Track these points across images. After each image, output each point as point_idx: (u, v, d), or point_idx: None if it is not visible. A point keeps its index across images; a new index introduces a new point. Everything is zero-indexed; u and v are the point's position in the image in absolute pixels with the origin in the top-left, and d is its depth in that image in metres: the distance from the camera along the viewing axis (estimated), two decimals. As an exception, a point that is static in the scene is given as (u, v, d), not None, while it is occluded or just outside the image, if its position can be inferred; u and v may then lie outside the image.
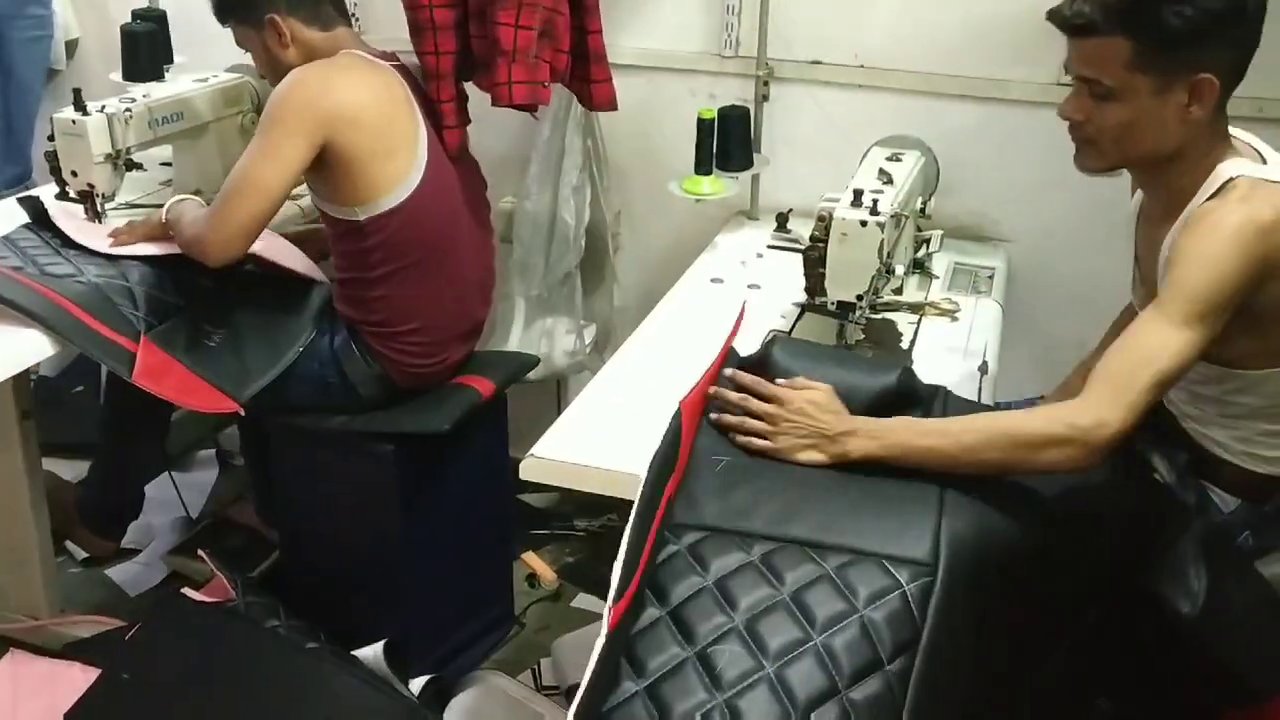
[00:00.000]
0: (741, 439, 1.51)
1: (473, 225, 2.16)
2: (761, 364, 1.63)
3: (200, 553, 2.34)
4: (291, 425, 2.20)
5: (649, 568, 1.34)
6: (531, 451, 1.63)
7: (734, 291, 2.20)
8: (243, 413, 2.04)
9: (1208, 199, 1.46)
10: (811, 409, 1.50)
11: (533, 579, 2.69)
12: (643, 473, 1.43)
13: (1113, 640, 1.53)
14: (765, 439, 1.50)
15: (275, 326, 2.12)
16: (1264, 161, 1.52)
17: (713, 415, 1.55)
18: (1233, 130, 1.54)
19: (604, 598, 1.36)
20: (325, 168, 1.96)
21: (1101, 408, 1.38)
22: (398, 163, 1.98)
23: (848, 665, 1.27)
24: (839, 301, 1.90)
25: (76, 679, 2.11)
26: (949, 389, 1.66)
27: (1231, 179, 1.45)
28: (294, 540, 2.39)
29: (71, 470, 2.69)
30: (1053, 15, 1.50)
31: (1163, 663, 1.50)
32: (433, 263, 2.06)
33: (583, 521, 2.87)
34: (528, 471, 1.62)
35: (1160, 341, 1.40)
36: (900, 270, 2.01)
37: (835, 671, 1.26)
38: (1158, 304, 1.43)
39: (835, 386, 1.54)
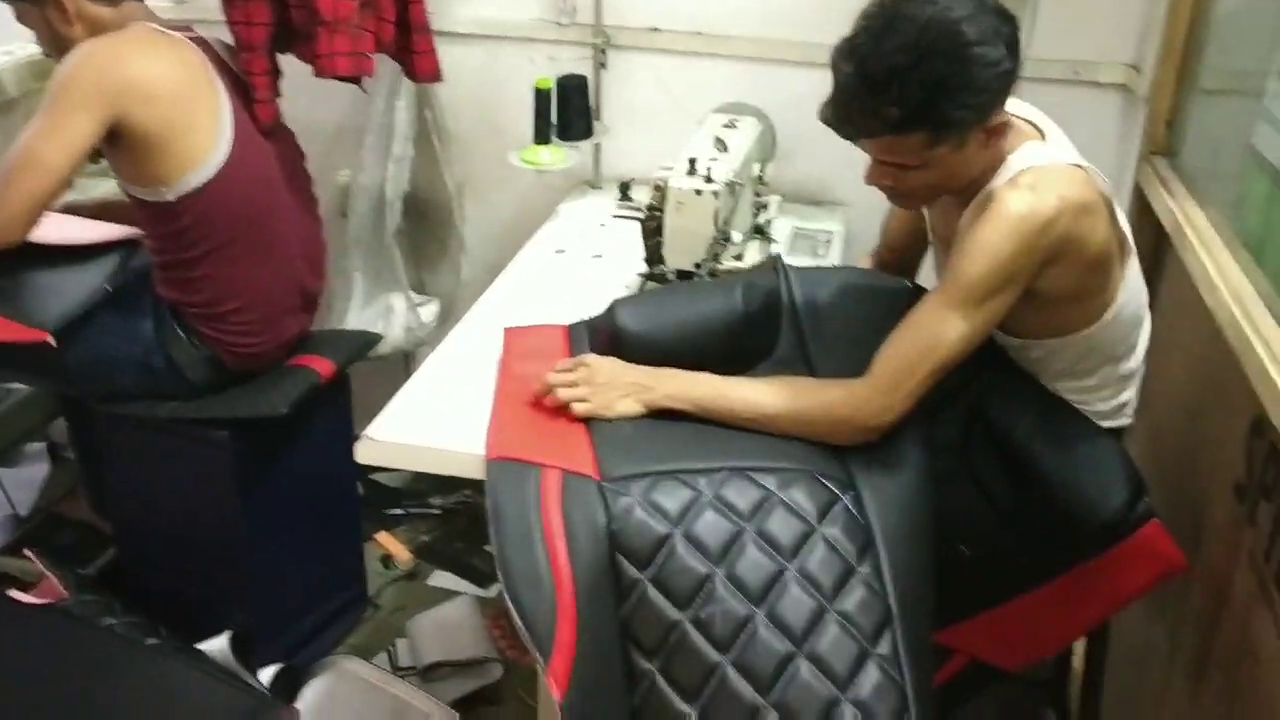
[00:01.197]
0: (568, 403, 1.55)
1: (292, 198, 2.09)
2: (608, 329, 1.65)
3: (27, 552, 2.24)
4: (120, 414, 2.10)
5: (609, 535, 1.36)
6: (365, 433, 1.59)
7: (577, 262, 2.19)
8: (53, 342, 1.94)
9: (999, 187, 1.49)
10: (618, 368, 1.57)
11: (387, 560, 2.65)
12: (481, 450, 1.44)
13: (966, 485, 1.60)
14: (584, 403, 1.55)
15: (74, 264, 2.03)
16: (1043, 137, 1.55)
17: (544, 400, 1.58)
18: (1011, 105, 1.53)
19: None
20: (122, 146, 1.86)
21: (884, 395, 1.46)
22: (200, 138, 1.89)
23: (827, 581, 1.38)
24: (678, 270, 1.91)
25: (-104, 691, 1.99)
26: (787, 265, 1.72)
27: (1021, 171, 1.48)
28: (129, 534, 2.29)
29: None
30: (830, 123, 1.51)
31: (1007, 496, 1.56)
32: (252, 238, 1.99)
33: (438, 499, 2.84)
34: (363, 455, 1.58)
35: (941, 330, 1.45)
36: (739, 237, 2.03)
37: (818, 591, 1.37)
38: (942, 289, 1.48)
39: (688, 320, 1.63)
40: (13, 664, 2.03)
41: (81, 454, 2.48)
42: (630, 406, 1.54)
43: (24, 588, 2.21)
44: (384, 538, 2.69)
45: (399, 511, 2.80)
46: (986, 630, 1.67)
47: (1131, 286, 1.58)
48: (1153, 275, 1.94)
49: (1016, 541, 1.59)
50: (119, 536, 2.34)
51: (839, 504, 1.42)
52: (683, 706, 1.35)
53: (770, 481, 1.42)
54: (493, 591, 2.52)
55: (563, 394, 1.55)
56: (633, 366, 1.58)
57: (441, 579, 2.59)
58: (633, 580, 1.36)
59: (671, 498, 1.40)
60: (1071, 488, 1.52)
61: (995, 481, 1.58)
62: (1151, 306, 1.71)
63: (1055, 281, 1.49)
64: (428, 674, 2.28)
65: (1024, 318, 1.54)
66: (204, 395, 2.07)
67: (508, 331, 1.80)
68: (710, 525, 1.38)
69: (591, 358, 1.60)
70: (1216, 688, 1.55)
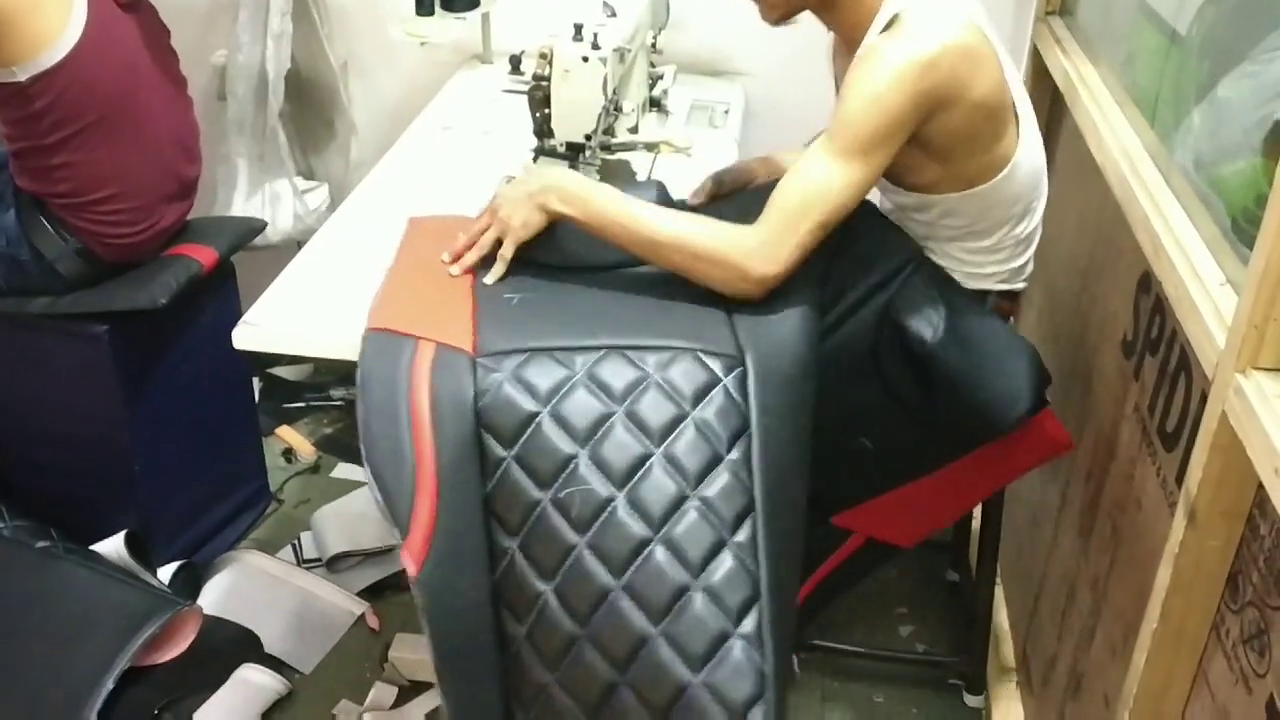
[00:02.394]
0: (497, 254, 1.55)
1: (158, 77, 1.97)
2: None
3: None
4: (-12, 311, 2.01)
5: (475, 410, 1.34)
6: (245, 318, 1.53)
7: (465, 139, 2.12)
8: None
9: (879, 34, 1.46)
10: (518, 185, 1.57)
11: (289, 453, 2.60)
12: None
13: (873, 384, 1.60)
14: (502, 241, 1.55)
15: None
16: None
17: (457, 267, 1.56)
18: None
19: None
20: None
21: (771, 245, 1.44)
22: (49, 13, 1.76)
23: (692, 467, 1.34)
24: (568, 143, 1.85)
25: None
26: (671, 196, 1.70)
27: (896, 14, 1.44)
28: (10, 436, 2.20)
29: None
30: None
31: (914, 398, 1.57)
32: (115, 121, 1.88)
33: (339, 391, 2.79)
34: (242, 339, 1.52)
35: (826, 179, 1.43)
36: (632, 108, 1.97)
37: (682, 476, 1.34)
38: (826, 138, 1.45)
39: None
40: (-107, 574, 1.96)
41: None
42: (531, 216, 1.53)
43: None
44: (285, 432, 2.64)
45: (300, 405, 2.75)
46: (883, 512, 1.69)
47: (1028, 145, 1.56)
48: (1048, 136, 1.93)
49: (919, 435, 1.60)
50: (0, 440, 2.25)
51: (718, 386, 1.38)
52: (539, 585, 1.34)
53: (650, 361, 1.39)
54: (399, 480, 2.49)
55: (482, 240, 1.55)
56: (538, 176, 1.56)
57: (345, 470, 2.56)
58: (498, 459, 1.34)
59: (544, 375, 1.36)
60: (979, 394, 1.52)
61: (903, 383, 1.57)
62: (1048, 169, 1.70)
63: (944, 129, 1.46)
64: (334, 565, 2.26)
65: (922, 170, 1.53)
66: (77, 289, 1.97)
67: (411, 221, 1.73)
68: (579, 405, 1.35)
69: (499, 192, 1.59)
70: (1103, 537, 1.59)
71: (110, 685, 1.82)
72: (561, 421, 1.35)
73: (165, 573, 2.12)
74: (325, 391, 2.78)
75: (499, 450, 1.34)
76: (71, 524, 2.10)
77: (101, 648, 1.87)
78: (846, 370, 1.57)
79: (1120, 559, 1.51)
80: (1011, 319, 1.73)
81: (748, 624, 1.33)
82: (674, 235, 1.47)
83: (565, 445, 1.34)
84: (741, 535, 1.35)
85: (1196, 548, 1.15)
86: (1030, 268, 1.69)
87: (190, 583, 2.15)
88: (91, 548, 2.07)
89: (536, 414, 1.34)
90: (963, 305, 1.58)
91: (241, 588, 2.17)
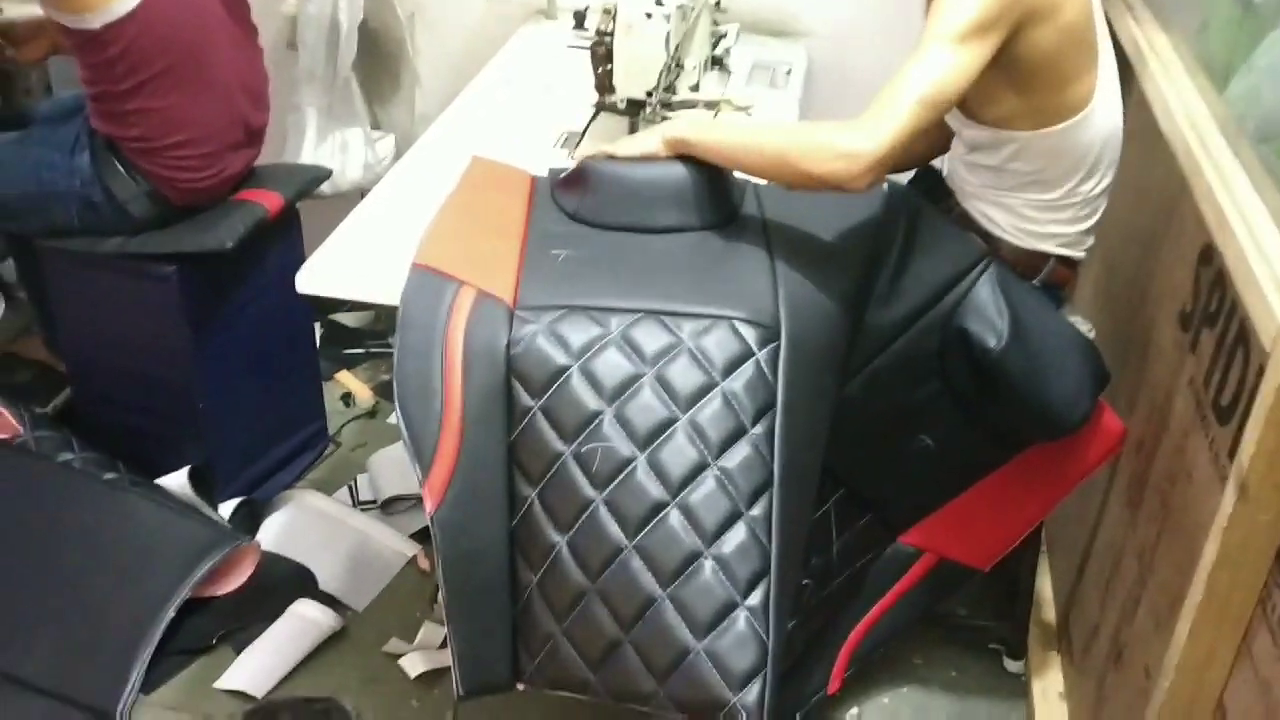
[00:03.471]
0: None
1: (228, 24, 2.01)
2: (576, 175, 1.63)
3: (-21, 389, 2.23)
4: (64, 250, 2.07)
5: (506, 358, 1.36)
6: (308, 262, 1.57)
7: (527, 93, 2.13)
8: None
9: None
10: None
11: (348, 398, 2.66)
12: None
13: (935, 384, 1.61)
14: None
15: None
16: None
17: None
18: None
19: None
20: None
21: (872, 123, 1.41)
22: None
23: (715, 437, 1.35)
24: (629, 99, 1.85)
25: None
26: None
27: None
28: (82, 372, 2.28)
29: None
30: None
31: (977, 400, 1.58)
32: (186, 68, 1.92)
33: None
34: (304, 284, 1.56)
35: (924, 59, 1.42)
36: (694, 66, 1.97)
37: (704, 445, 1.34)
38: (925, 30, 1.45)
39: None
40: (-29, 498, 2.04)
41: (32, 293, 2.45)
42: (648, 144, 1.57)
43: (-21, 423, 2.21)
44: (344, 376, 2.70)
45: (359, 351, 2.80)
46: (951, 526, 1.71)
47: (1106, 95, 1.57)
48: (1114, 105, 1.91)
49: (979, 433, 1.62)
50: (73, 375, 2.32)
51: (750, 359, 1.38)
52: (554, 536, 1.36)
53: (685, 328, 1.39)
54: (453, 429, 2.54)
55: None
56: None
57: (402, 417, 2.60)
58: (525, 408, 1.36)
59: (578, 331, 1.37)
60: (1041, 397, 1.54)
61: (966, 385, 1.58)
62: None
63: (1032, 47, 1.48)
64: (387, 507, 2.32)
65: (1000, 100, 1.54)
66: (148, 230, 2.03)
67: (475, 159, 1.75)
68: (610, 364, 1.36)
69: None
70: (1152, 509, 1.59)
71: (172, 614, 1.90)
72: (590, 378, 1.36)
73: (226, 508, 2.19)
74: (384, 339, 2.83)
75: (527, 399, 1.36)
76: (138, 458, 2.18)
77: (164, 578, 1.94)
78: (911, 370, 1.59)
79: (1168, 531, 1.51)
80: (1067, 288, 1.72)
81: (754, 597, 1.34)
82: (782, 136, 1.48)
83: (592, 401, 1.35)
84: (757, 509, 1.35)
85: (1246, 522, 1.15)
86: (1091, 240, 1.68)
87: (250, 519, 2.21)
88: (156, 481, 2.14)
89: (567, 368, 1.36)
90: (1027, 303, 1.58)
91: (298, 526, 2.23)
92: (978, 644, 2.05)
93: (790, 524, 1.38)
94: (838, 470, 1.67)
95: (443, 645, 2.02)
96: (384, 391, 2.68)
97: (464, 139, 1.94)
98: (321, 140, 2.52)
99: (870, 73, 2.42)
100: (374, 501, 2.34)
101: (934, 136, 1.73)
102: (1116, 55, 2.05)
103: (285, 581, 2.09)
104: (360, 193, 2.64)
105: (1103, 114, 1.57)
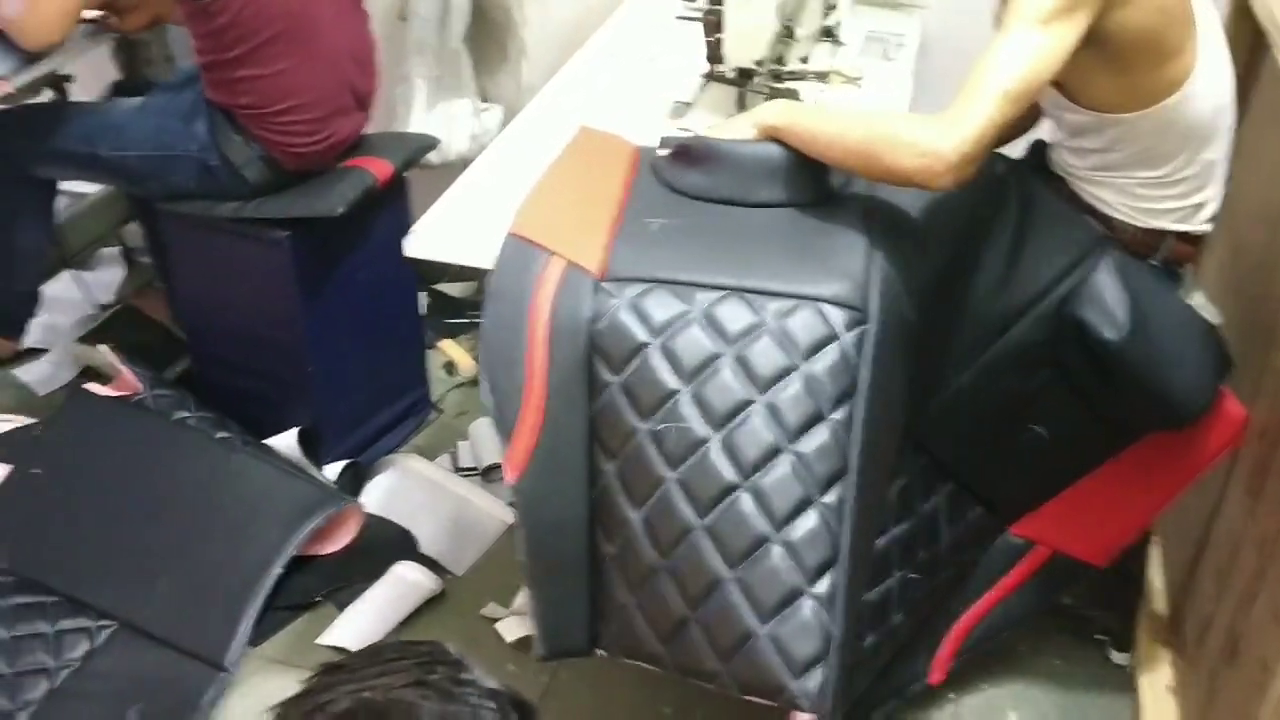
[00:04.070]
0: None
1: (334, -7, 2.05)
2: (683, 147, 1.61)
3: (102, 347, 2.31)
4: (183, 214, 2.13)
5: (589, 335, 1.36)
6: (415, 227, 1.59)
7: (636, 63, 2.13)
8: (12, 88, 2.01)
9: None
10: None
11: (451, 366, 2.69)
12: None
13: (1043, 369, 1.57)
14: None
15: None
16: None
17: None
18: None
19: None
20: None
21: (958, 120, 1.37)
22: None
23: (793, 420, 1.33)
24: (738, 69, 1.84)
25: (-13, 475, 2.11)
26: None
27: None
28: (198, 333, 2.35)
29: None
30: None
31: (1094, 389, 1.54)
32: (293, 35, 1.96)
33: (500, 309, 2.85)
34: (411, 248, 1.58)
35: (1007, 48, 1.37)
36: (805, 36, 1.94)
37: (781, 428, 1.33)
38: (1006, 20, 1.40)
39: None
40: (95, 450, 2.13)
41: (156, 258, 2.54)
42: (743, 129, 1.55)
43: (103, 382, 2.29)
44: (448, 345, 2.73)
45: (462, 321, 2.83)
46: (1064, 517, 1.67)
47: (1209, 67, 1.50)
48: (1245, 79, 1.82)
49: (1093, 420, 1.57)
50: (189, 336, 2.40)
51: (834, 343, 1.34)
52: (629, 512, 1.37)
53: (770, 308, 1.35)
54: (553, 399, 2.56)
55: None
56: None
57: (503, 386, 2.63)
58: (605, 382, 1.36)
59: (661, 307, 1.36)
60: (1162, 386, 1.50)
61: (1082, 375, 1.54)
62: (1242, 114, 1.62)
63: (1126, 24, 1.41)
64: (488, 474, 2.34)
65: (1099, 83, 1.48)
66: (262, 195, 2.08)
67: (583, 128, 1.75)
68: (690, 342, 1.34)
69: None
70: (1273, 499, 1.52)
71: (278, 571, 1.95)
72: (670, 355, 1.34)
73: (332, 470, 2.24)
74: (487, 309, 2.85)
75: (606, 375, 1.36)
76: (249, 418, 2.23)
77: (272, 535, 2.00)
78: (1024, 359, 1.55)
79: (1291, 523, 1.44)
80: (1188, 265, 1.66)
81: (822, 585, 1.32)
82: (867, 130, 1.44)
83: (670, 380, 1.34)
84: (830, 497, 1.33)
85: (1375, 512, 1.09)
86: (1210, 209, 1.61)
87: (354, 481, 2.26)
88: (266, 442, 2.20)
89: (646, 344, 1.35)
90: (1148, 290, 1.53)
91: (401, 490, 2.27)
92: (1083, 633, 2.00)
93: (863, 513, 1.35)
94: (948, 462, 1.63)
95: (537, 611, 2.05)
96: (486, 361, 2.70)
97: (570, 109, 1.94)
98: (430, 111, 2.55)
99: (984, 46, 2.38)
100: (474, 468, 2.37)
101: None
102: (1251, 31, 1.97)
103: (387, 543, 2.13)
104: (465, 164, 2.68)
105: (1206, 86, 1.50)
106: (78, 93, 2.44)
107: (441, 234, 1.59)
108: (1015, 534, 1.71)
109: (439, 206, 1.64)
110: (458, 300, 2.89)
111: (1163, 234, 1.59)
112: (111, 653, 1.90)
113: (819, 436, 1.33)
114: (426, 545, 2.15)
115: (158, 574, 1.96)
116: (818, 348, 1.34)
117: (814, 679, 1.32)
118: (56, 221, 2.44)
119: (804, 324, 1.35)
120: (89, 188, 2.64)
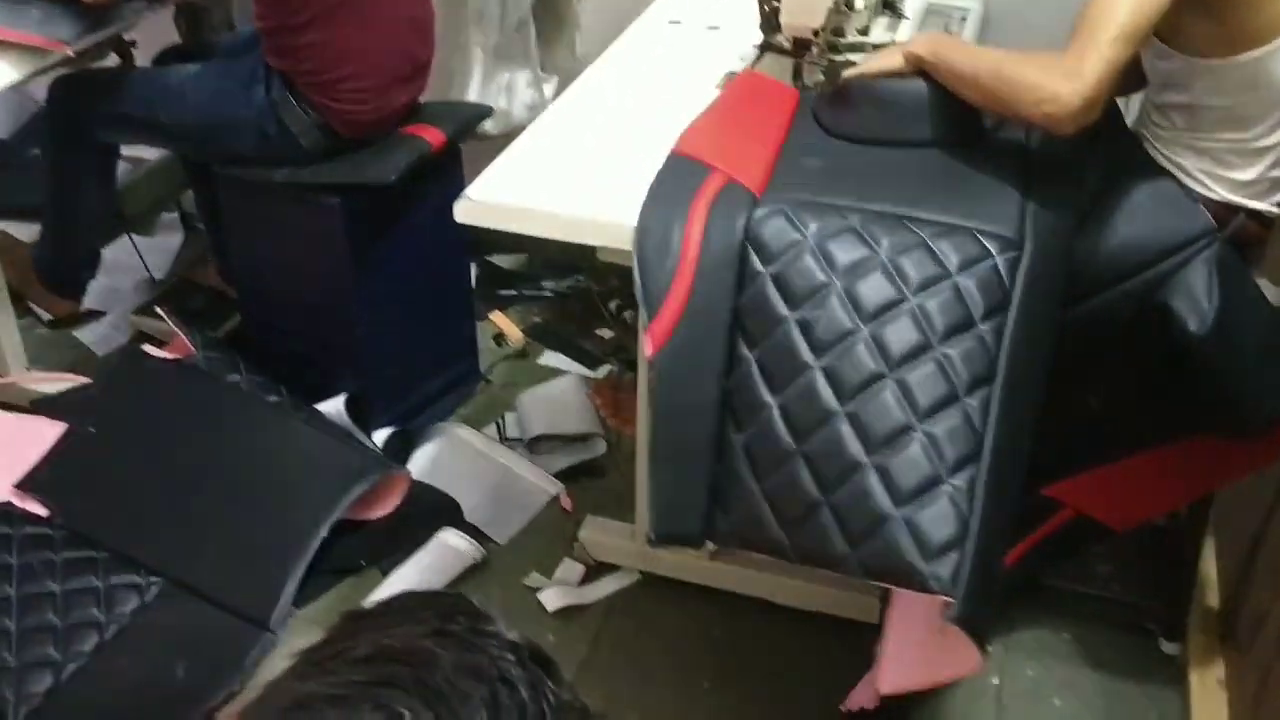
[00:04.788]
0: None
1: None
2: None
3: (159, 310, 2.35)
4: (238, 178, 2.15)
5: (747, 225, 1.41)
6: (466, 193, 1.58)
7: (692, 33, 2.11)
8: (71, 52, 2.00)
9: None
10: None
11: (500, 338, 2.69)
12: (583, 215, 1.49)
13: (1114, 343, 1.56)
14: None
15: None
16: None
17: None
18: None
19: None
20: None
21: (1074, 62, 1.37)
22: None
23: (941, 324, 1.36)
24: (795, 39, 1.81)
25: (44, 432, 2.14)
26: None
27: None
28: (250, 297, 2.38)
29: (29, 233, 2.65)
30: None
31: (1161, 375, 1.53)
32: (356, 3, 1.96)
33: (550, 282, 2.86)
34: (462, 213, 1.58)
35: None
36: (864, 6, 1.91)
37: (929, 329, 1.36)
38: None
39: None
40: (148, 410, 2.16)
41: (208, 221, 2.56)
42: (891, 61, 1.59)
43: (158, 346, 2.33)
44: (497, 317, 2.73)
45: (512, 293, 2.83)
46: (1096, 487, 1.64)
47: None
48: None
49: (1149, 406, 1.55)
50: (242, 300, 2.42)
51: (987, 261, 1.37)
52: (767, 397, 1.38)
53: (925, 230, 1.40)
54: (601, 372, 2.55)
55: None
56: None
57: (551, 359, 2.63)
58: (755, 272, 1.39)
59: (816, 218, 1.41)
60: (1233, 389, 1.48)
61: (1152, 358, 1.52)
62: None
63: None
64: (534, 446, 2.35)
65: (1193, 26, 1.47)
66: (317, 162, 2.09)
67: (747, 72, 1.84)
68: (844, 244, 1.39)
69: None
70: (1335, 491, 1.48)
71: (324, 534, 1.96)
72: (824, 254, 1.38)
73: (379, 437, 2.25)
74: (537, 282, 2.85)
75: (758, 264, 1.39)
76: (299, 383, 2.25)
77: (319, 499, 2.01)
78: (1099, 328, 1.53)
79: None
80: (1257, 248, 1.61)
81: (960, 478, 1.32)
82: (997, 71, 1.46)
83: (822, 274, 1.38)
84: (974, 399, 1.33)
85: None
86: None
87: (401, 448, 2.27)
88: (315, 406, 2.22)
89: (801, 240, 1.39)
90: (1243, 293, 1.50)
91: (447, 458, 2.28)
92: (1131, 623, 1.96)
93: (1010, 422, 1.34)
94: None
95: (582, 582, 2.05)
96: (534, 334, 2.71)
97: (626, 77, 1.92)
98: (488, 81, 2.54)
99: (1049, 20, 2.31)
100: (520, 439, 2.37)
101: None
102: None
103: (432, 510, 2.14)
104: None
105: None
106: (141, 58, 2.47)
107: (493, 200, 1.58)
108: (1045, 494, 1.69)
109: (489, 172, 1.63)
110: (508, 272, 2.90)
111: (1235, 210, 1.55)
112: (160, 609, 1.92)
113: (967, 342, 1.35)
114: (471, 514, 2.16)
115: (206, 533, 1.98)
116: (971, 264, 1.38)
117: (947, 564, 1.30)
118: (117, 186, 2.48)
119: (957, 244, 1.39)
120: (149, 153, 2.68)
